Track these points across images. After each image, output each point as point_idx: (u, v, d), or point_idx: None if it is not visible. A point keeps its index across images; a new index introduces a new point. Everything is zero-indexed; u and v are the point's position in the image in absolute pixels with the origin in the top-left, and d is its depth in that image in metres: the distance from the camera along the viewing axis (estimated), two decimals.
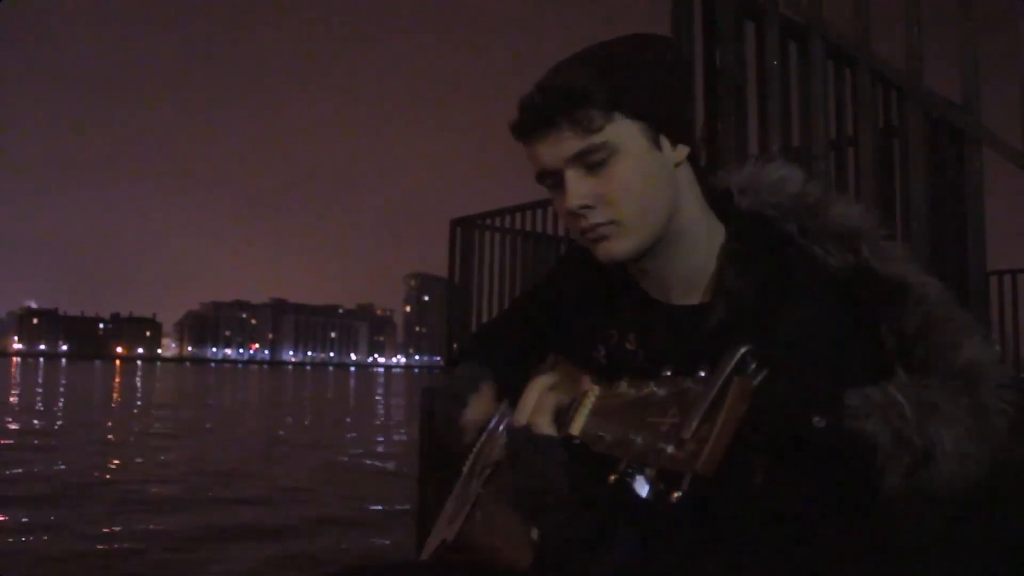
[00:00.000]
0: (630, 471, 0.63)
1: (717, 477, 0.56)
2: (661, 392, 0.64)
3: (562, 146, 0.87)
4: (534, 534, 0.86)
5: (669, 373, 0.65)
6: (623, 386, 0.70)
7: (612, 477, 0.64)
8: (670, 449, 0.58)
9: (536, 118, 0.88)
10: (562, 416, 0.79)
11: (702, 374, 0.60)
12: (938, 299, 0.87)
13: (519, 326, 1.17)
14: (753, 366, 0.59)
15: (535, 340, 1.11)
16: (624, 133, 0.87)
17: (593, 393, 0.74)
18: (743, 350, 0.59)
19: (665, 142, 0.90)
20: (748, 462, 0.76)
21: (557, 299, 1.09)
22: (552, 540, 0.83)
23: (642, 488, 0.63)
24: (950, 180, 3.44)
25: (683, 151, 0.91)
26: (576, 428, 0.74)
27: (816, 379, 0.81)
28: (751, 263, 0.89)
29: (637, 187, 0.88)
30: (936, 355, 0.84)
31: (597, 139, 0.86)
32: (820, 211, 0.92)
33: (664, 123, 0.89)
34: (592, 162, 0.87)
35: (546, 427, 0.81)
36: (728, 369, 0.58)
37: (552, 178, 0.91)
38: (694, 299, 0.93)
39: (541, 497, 0.81)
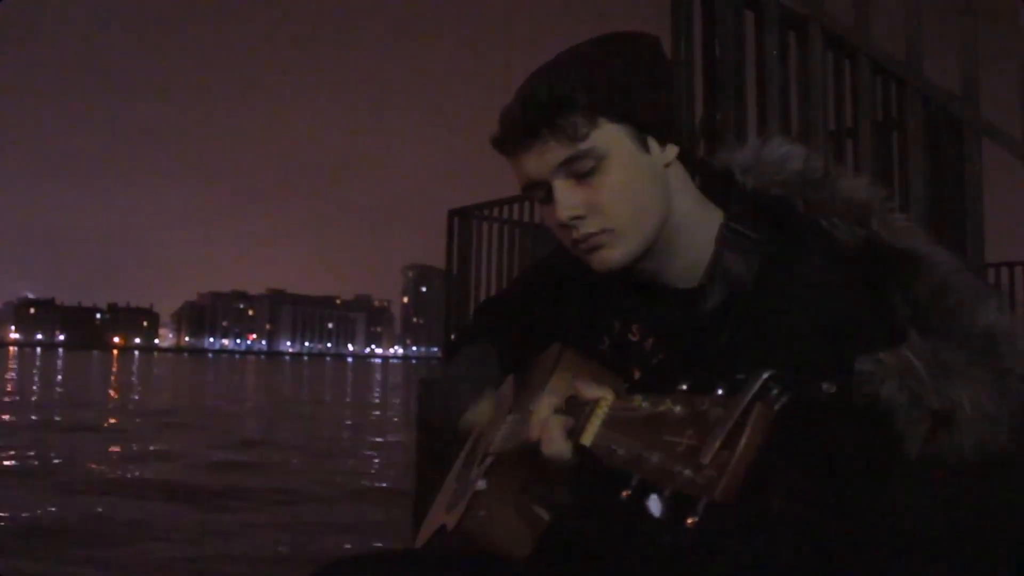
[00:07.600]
0: (643, 489, 0.61)
1: (734, 504, 0.55)
2: (677, 409, 0.62)
3: (547, 156, 0.85)
4: (543, 514, 0.84)
5: (685, 387, 0.63)
6: (638, 399, 0.68)
7: (625, 493, 0.62)
8: (687, 472, 0.57)
9: (518, 130, 0.85)
10: (574, 417, 0.76)
11: (720, 392, 0.59)
12: (951, 266, 0.84)
13: (523, 305, 1.14)
14: (776, 391, 0.57)
15: (538, 319, 1.09)
16: (610, 138, 0.84)
17: (606, 403, 0.72)
18: (766, 375, 0.57)
19: (653, 143, 0.87)
20: (765, 488, 0.73)
21: (559, 284, 1.06)
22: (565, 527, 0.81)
23: (655, 507, 0.60)
24: (949, 171, 3.44)
25: (673, 151, 0.89)
26: (587, 439, 0.71)
27: (824, 346, 0.79)
28: (751, 241, 0.87)
29: (628, 193, 0.85)
30: (952, 320, 0.81)
31: (583, 146, 0.83)
32: (826, 186, 0.90)
33: (650, 124, 0.86)
34: (580, 170, 0.84)
35: (562, 447, 0.76)
36: (751, 394, 0.56)
37: (540, 190, 0.88)
38: (694, 283, 0.91)
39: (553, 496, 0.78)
